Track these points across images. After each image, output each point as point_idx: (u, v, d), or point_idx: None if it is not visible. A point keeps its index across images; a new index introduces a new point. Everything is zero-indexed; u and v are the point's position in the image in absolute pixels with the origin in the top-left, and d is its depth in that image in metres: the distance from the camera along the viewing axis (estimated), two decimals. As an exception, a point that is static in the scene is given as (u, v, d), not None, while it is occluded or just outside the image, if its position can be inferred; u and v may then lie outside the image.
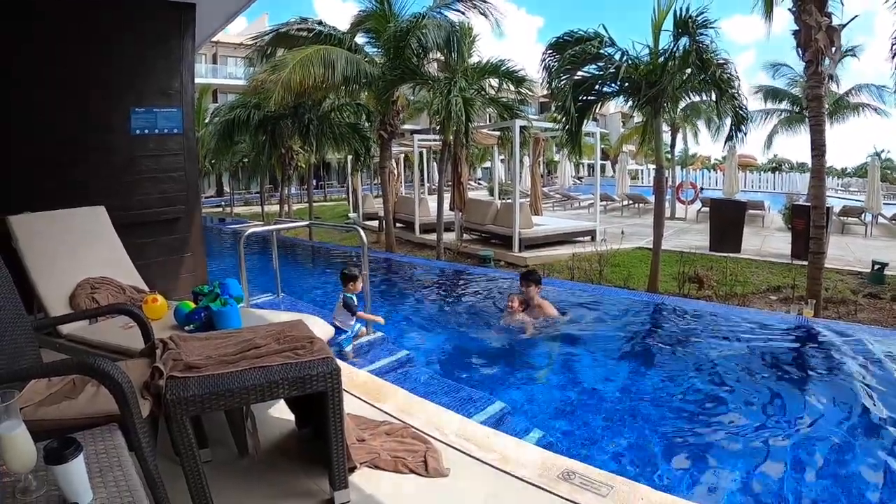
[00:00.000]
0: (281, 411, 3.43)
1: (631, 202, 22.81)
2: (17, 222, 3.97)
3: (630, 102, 10.21)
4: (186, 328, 3.49)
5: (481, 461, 3.00)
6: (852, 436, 4.21)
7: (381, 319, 6.07)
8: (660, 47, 9.31)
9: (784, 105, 21.93)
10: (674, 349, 6.33)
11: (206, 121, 25.77)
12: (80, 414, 2.09)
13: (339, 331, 6.05)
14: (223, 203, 35.06)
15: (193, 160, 5.99)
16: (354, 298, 6.05)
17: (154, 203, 5.49)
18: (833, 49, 8.26)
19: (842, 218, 16.24)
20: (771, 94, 21.88)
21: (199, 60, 37.12)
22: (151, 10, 5.39)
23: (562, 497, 2.66)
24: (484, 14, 12.70)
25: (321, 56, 12.19)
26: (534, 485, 2.77)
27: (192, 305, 3.67)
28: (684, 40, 8.77)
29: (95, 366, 1.97)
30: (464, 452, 3.09)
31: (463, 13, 12.88)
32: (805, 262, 9.16)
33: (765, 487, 3.61)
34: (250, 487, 2.75)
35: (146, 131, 5.35)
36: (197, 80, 6.32)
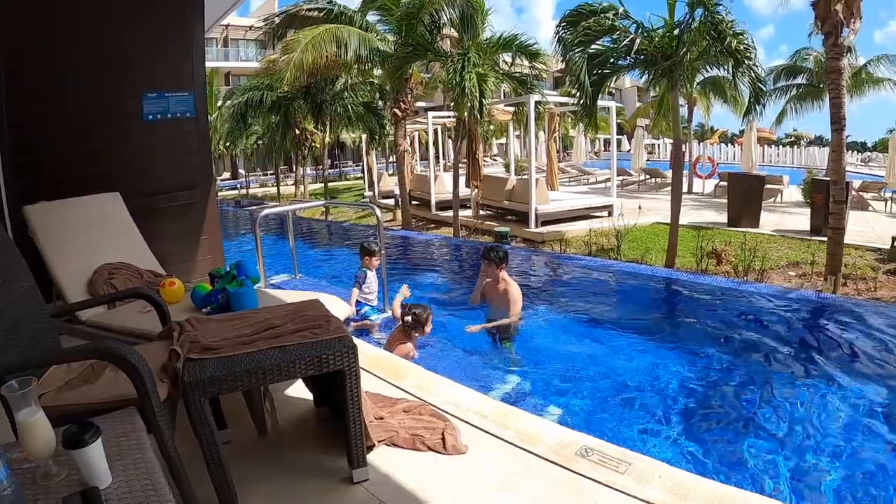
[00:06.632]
0: (299, 391, 3.44)
1: (648, 177, 22.57)
2: (32, 212, 4.01)
3: (646, 76, 10.09)
4: (204, 310, 3.50)
5: (499, 438, 3.00)
6: (870, 416, 4.15)
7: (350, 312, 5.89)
8: (675, 19, 9.16)
9: (799, 80, 21.41)
10: (690, 326, 6.28)
11: (219, 104, 25.81)
12: (99, 398, 2.10)
13: (360, 304, 6.16)
14: (238, 186, 35.20)
15: (207, 144, 6.00)
16: (365, 273, 6.13)
17: (169, 188, 5.49)
18: (853, 20, 8.04)
19: (862, 193, 15.89)
20: (785, 70, 21.39)
21: (211, 44, 37.01)
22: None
23: (580, 474, 2.66)
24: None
25: (333, 35, 12.15)
26: (552, 462, 2.77)
27: (209, 288, 3.68)
28: (699, 11, 8.63)
29: (113, 350, 1.97)
30: (482, 430, 3.08)
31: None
32: (824, 238, 9.02)
33: (781, 465, 3.58)
34: (269, 467, 2.78)
35: (158, 116, 5.34)
36: (208, 64, 6.29)
